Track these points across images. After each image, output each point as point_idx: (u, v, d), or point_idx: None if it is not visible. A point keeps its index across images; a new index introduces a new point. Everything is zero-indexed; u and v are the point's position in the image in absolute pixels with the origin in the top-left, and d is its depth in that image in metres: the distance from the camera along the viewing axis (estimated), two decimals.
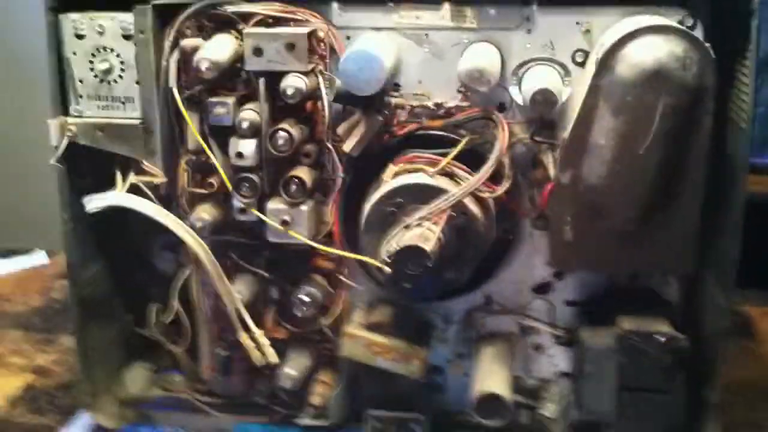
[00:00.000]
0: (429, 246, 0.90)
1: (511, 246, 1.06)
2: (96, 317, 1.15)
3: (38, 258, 1.78)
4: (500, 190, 0.98)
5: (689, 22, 0.93)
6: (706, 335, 1.03)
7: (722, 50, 0.91)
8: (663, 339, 0.95)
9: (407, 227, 0.94)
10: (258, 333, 1.05)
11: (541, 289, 1.09)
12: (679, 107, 0.85)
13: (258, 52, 0.97)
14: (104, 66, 1.03)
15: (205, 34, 1.02)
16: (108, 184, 1.08)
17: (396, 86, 1.02)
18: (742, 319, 1.54)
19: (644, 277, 1.05)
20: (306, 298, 1.07)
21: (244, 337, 1.05)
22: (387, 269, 0.92)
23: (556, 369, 1.11)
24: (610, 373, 0.98)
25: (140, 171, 1.06)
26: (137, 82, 1.03)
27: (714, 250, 1.00)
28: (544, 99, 0.90)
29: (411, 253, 0.91)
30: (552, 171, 0.94)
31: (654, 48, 0.85)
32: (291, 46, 0.97)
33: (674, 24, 0.87)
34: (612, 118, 0.87)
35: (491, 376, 1.03)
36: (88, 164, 1.08)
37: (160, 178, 1.05)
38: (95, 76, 1.04)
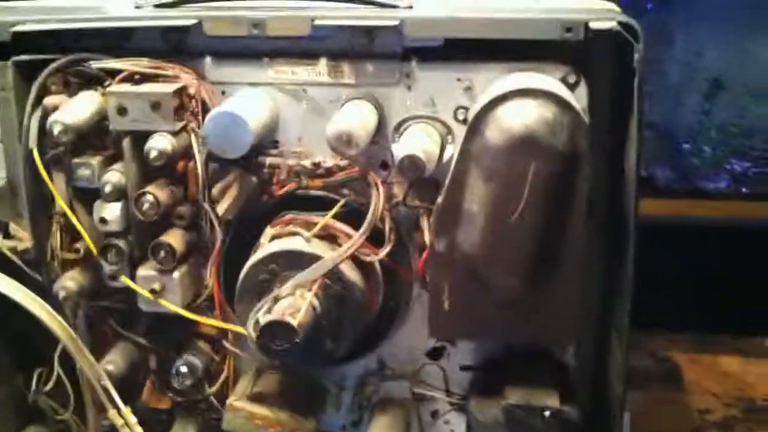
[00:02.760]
0: (296, 320, 0.85)
1: (400, 310, 1.01)
2: None
3: None
4: (382, 253, 0.94)
5: (572, 78, 0.89)
6: (609, 399, 0.98)
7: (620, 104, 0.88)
8: (548, 413, 0.90)
9: (276, 297, 0.88)
10: (125, 410, 0.99)
11: (435, 353, 1.04)
12: (551, 173, 0.81)
13: (122, 111, 0.92)
14: None
15: (72, 90, 0.96)
16: None
17: (275, 143, 0.97)
18: (670, 366, 1.50)
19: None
20: (184, 370, 1.01)
21: (112, 415, 0.99)
22: (254, 343, 0.87)
23: None
24: None
25: (7, 235, 1.00)
26: (0, 142, 0.97)
27: (612, 308, 0.96)
28: (411, 165, 0.85)
29: (278, 327, 0.85)
30: (428, 236, 0.89)
31: (523, 112, 0.81)
32: (156, 105, 0.92)
33: (546, 87, 0.83)
34: (483, 184, 0.82)
35: None
36: None
37: (26, 243, 0.99)
38: None
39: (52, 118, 0.90)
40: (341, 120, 0.88)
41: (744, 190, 2.40)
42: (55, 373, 1.08)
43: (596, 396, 0.99)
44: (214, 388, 1.05)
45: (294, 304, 0.87)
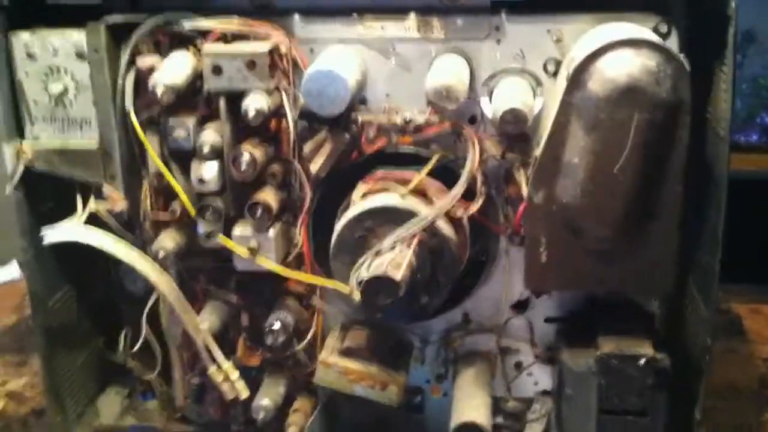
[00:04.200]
0: (399, 275, 0.86)
1: (487, 264, 1.02)
2: (64, 344, 1.11)
3: (14, 270, 1.73)
4: (473, 207, 0.95)
5: (664, 28, 0.89)
6: (689, 348, 1.00)
7: (701, 55, 0.88)
8: (643, 361, 0.91)
9: (377, 253, 0.90)
10: (227, 366, 1.01)
11: (520, 306, 1.05)
12: (654, 123, 0.81)
13: (218, 70, 0.93)
14: (58, 87, 0.99)
15: (162, 51, 0.97)
16: (70, 209, 1.04)
17: (363, 100, 0.98)
18: (730, 317, 1.51)
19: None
20: (277, 327, 1.03)
21: (212, 371, 1.01)
22: (357, 298, 0.88)
23: (537, 388, 1.08)
24: (591, 396, 0.94)
25: (101, 197, 1.02)
26: (94, 104, 0.99)
27: (695, 262, 0.97)
28: (514, 119, 0.86)
29: (381, 282, 0.87)
30: (525, 189, 0.90)
31: (626, 63, 0.81)
32: (252, 64, 0.93)
33: (647, 36, 0.83)
34: (584, 135, 0.83)
35: (470, 402, 1.00)
36: (48, 188, 1.04)
37: (121, 204, 1.00)
38: (49, 97, 0.99)
39: (153, 78, 0.91)
40: (440, 74, 0.89)
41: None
42: (143, 333, 1.09)
43: (677, 344, 1.01)
44: (303, 345, 1.07)
45: (395, 259, 0.88)
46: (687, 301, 1.02)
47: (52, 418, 1.11)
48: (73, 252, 1.05)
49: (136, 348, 1.11)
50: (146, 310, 1.08)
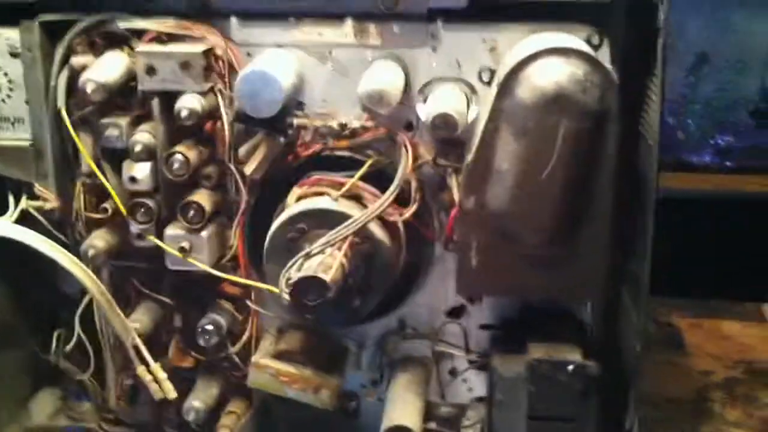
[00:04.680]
0: (329, 276, 0.86)
1: (422, 270, 1.02)
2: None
3: None
4: (407, 213, 0.95)
5: (596, 40, 0.91)
6: (623, 357, 1.01)
7: (636, 67, 0.89)
8: (571, 367, 0.92)
9: (308, 255, 0.90)
10: (154, 366, 1.00)
11: (455, 312, 1.06)
12: (581, 131, 0.83)
13: (151, 71, 0.93)
14: None
15: (97, 51, 0.97)
16: (1, 208, 1.02)
17: (300, 105, 0.98)
18: (671, 331, 1.53)
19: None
20: (209, 327, 1.02)
21: (141, 371, 1.00)
22: (287, 299, 0.88)
23: (472, 394, 1.08)
24: (521, 402, 0.95)
25: (33, 195, 1.01)
26: (26, 102, 0.98)
27: (628, 272, 0.98)
28: (444, 123, 0.87)
29: (310, 283, 0.87)
30: (456, 195, 0.91)
31: (554, 71, 0.82)
32: (186, 65, 0.92)
33: (575, 45, 0.84)
34: (514, 142, 0.84)
35: (402, 406, 1.00)
36: None
37: (52, 203, 0.99)
38: None
39: (84, 76, 0.91)
40: (373, 79, 0.89)
41: (728, 163, 2.44)
42: (76, 334, 1.09)
43: (611, 354, 1.02)
44: (237, 347, 1.07)
45: (325, 261, 0.89)
46: (621, 311, 1.03)
47: None
48: (8, 253, 1.03)
49: (68, 348, 1.10)
50: (79, 311, 1.07)
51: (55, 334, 1.13)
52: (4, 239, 0.98)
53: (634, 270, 0.96)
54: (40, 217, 1.01)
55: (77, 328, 1.09)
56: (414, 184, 0.95)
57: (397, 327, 1.07)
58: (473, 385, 1.08)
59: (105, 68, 0.92)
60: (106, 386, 1.14)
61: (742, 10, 2.19)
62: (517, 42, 0.92)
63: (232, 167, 0.99)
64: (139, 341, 0.99)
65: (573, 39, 0.89)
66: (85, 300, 1.07)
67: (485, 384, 1.06)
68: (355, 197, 0.96)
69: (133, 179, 0.96)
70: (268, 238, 0.95)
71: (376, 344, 1.08)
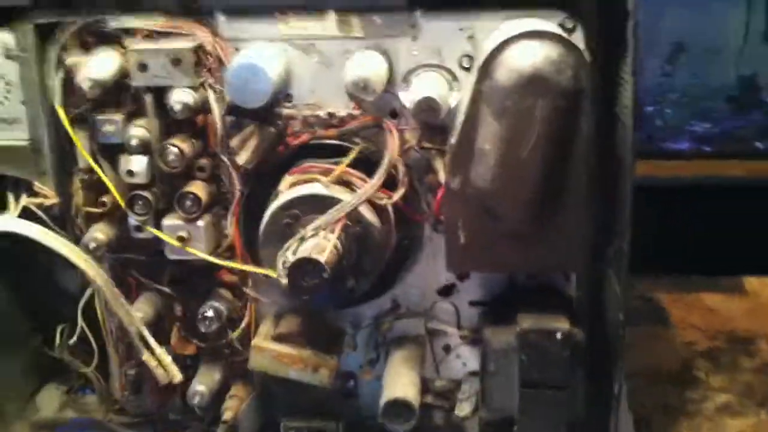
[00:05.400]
0: (324, 257, 0.90)
1: (412, 251, 1.06)
2: (4, 345, 1.13)
3: None
4: (396, 196, 0.99)
5: (569, 24, 0.94)
6: (607, 328, 1.05)
7: (609, 51, 0.93)
8: (560, 334, 0.96)
9: (302, 238, 0.93)
10: (159, 351, 1.04)
11: (445, 291, 1.10)
12: (557, 110, 0.87)
13: (143, 67, 0.96)
14: None
15: (89, 50, 1.00)
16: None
17: (288, 96, 1.02)
18: (653, 305, 1.57)
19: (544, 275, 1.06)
20: (210, 314, 1.06)
21: (146, 357, 1.04)
22: (284, 282, 0.92)
23: (465, 369, 1.12)
24: (513, 372, 0.99)
25: (32, 193, 1.04)
26: (23, 103, 1.01)
27: (610, 245, 1.02)
28: (428, 107, 0.91)
29: (306, 264, 0.91)
30: (442, 176, 0.95)
31: (530, 53, 0.86)
32: (177, 61, 0.96)
33: (549, 29, 0.88)
34: (494, 122, 0.88)
35: (400, 381, 1.04)
36: None
37: (52, 199, 1.03)
38: None
39: (81, 74, 0.94)
40: (357, 67, 0.93)
41: (707, 149, 2.50)
42: (79, 327, 1.12)
43: (596, 326, 1.06)
44: (237, 333, 1.10)
45: (320, 243, 0.92)
46: (605, 286, 1.07)
47: None
48: (7, 252, 1.07)
49: (72, 341, 1.13)
50: (81, 304, 1.10)
51: (59, 329, 1.15)
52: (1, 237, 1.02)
53: (616, 245, 1.00)
54: (41, 214, 1.04)
55: (80, 321, 1.11)
56: (401, 169, 0.99)
57: (390, 307, 1.11)
58: (466, 360, 1.12)
59: (99, 66, 0.96)
60: (110, 378, 1.17)
61: None
62: (493, 29, 0.96)
63: (225, 158, 1.02)
64: (143, 328, 1.03)
65: (547, 24, 0.93)
66: (87, 293, 1.10)
67: (478, 358, 1.10)
68: (345, 183, 1.00)
69: (130, 173, 0.99)
70: (262, 225, 0.98)
71: (371, 325, 1.12)
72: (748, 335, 1.43)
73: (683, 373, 1.34)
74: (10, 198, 1.06)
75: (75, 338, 1.13)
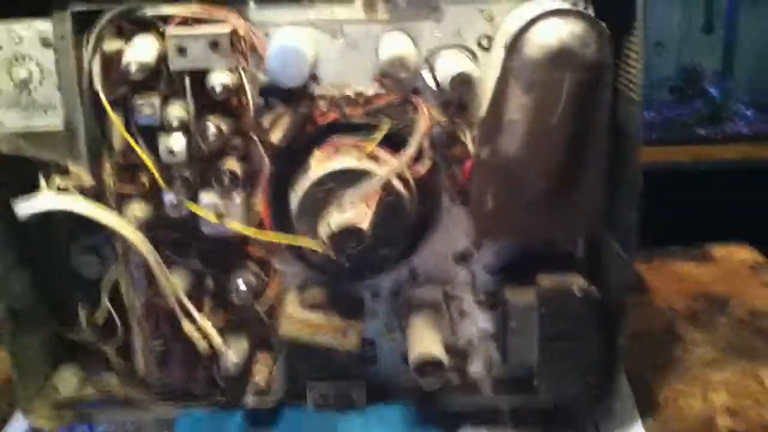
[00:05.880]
0: (365, 225, 0.96)
1: (431, 221, 1.13)
2: (24, 327, 1.16)
3: None
4: (423, 169, 1.06)
5: (581, 4, 1.03)
6: (611, 289, 1.14)
7: (614, 28, 1.01)
8: (578, 291, 1.05)
9: (341, 209, 0.99)
10: (202, 321, 1.08)
11: (462, 258, 1.17)
12: (583, 82, 0.95)
13: (182, 51, 1.01)
14: (23, 75, 1.04)
15: (125, 36, 1.04)
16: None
17: (315, 78, 1.07)
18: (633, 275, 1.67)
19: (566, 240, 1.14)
20: (243, 286, 1.11)
21: (187, 326, 1.08)
22: (327, 250, 0.98)
23: (479, 331, 1.19)
24: (533, 328, 1.07)
25: (65, 176, 1.07)
26: (59, 89, 1.04)
27: (616, 215, 1.11)
28: (463, 81, 0.98)
29: (349, 232, 0.97)
30: (471, 147, 1.02)
31: (556, 29, 0.94)
32: (215, 45, 1.01)
33: (572, 7, 0.97)
34: (523, 95, 0.96)
35: (426, 340, 1.10)
36: (2, 175, 1.08)
37: (87, 182, 1.06)
38: (14, 84, 1.04)
39: (127, 57, 0.98)
40: (392, 46, 1.00)
41: (653, 136, 2.64)
42: (104, 306, 1.15)
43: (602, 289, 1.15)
44: (266, 304, 1.15)
45: (359, 213, 0.99)
46: (608, 251, 1.15)
47: (16, 393, 1.15)
48: (28, 239, 1.11)
49: (101, 322, 1.16)
50: (109, 284, 1.14)
51: (84, 311, 1.18)
52: (25, 222, 1.05)
53: (624, 213, 1.08)
54: (78, 194, 1.07)
55: (107, 302, 1.15)
56: (425, 143, 1.06)
57: (409, 275, 1.17)
58: (481, 323, 1.19)
59: (143, 49, 1.00)
60: (133, 354, 1.20)
61: None
62: (510, 11, 1.03)
63: (256, 137, 1.07)
64: (183, 295, 1.07)
65: (563, 4, 1.01)
66: (112, 274, 1.14)
67: (492, 321, 1.18)
68: (373, 158, 1.06)
69: (171, 152, 1.03)
70: (298, 197, 1.04)
71: (391, 293, 1.18)
72: (722, 297, 1.54)
73: (667, 335, 1.44)
74: (42, 182, 1.08)
75: (103, 318, 1.16)
